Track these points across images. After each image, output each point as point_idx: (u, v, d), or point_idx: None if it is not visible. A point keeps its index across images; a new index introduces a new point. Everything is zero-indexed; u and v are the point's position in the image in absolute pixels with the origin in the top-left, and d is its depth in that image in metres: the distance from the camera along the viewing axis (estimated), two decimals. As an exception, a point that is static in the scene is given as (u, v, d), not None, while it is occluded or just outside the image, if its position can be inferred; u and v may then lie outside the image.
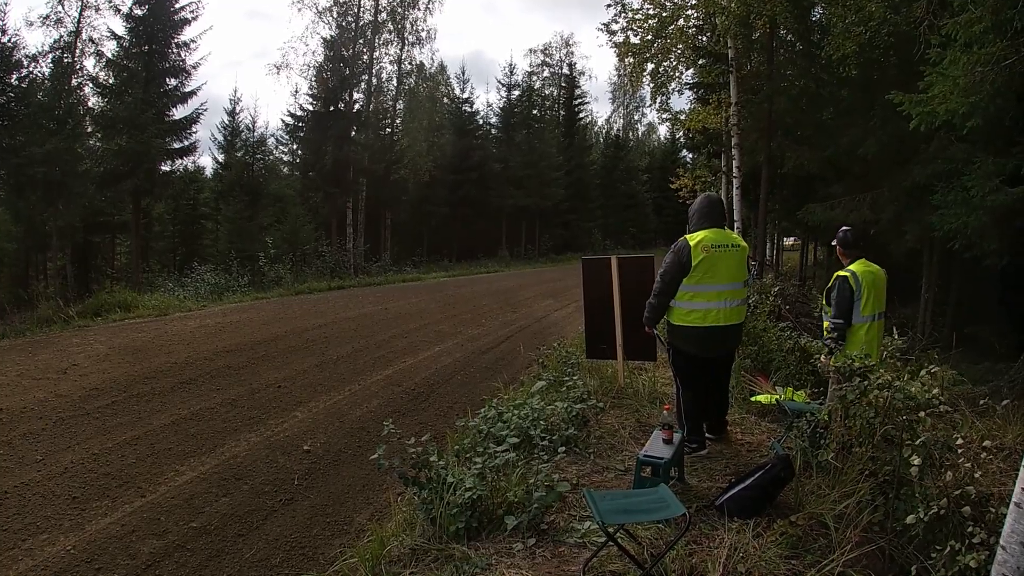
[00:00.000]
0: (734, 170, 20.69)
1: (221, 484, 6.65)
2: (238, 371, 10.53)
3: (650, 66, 21.98)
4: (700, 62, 23.20)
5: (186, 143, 31.16)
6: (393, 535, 4.82)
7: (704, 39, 22.13)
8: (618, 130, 68.69)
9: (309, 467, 7.23)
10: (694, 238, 5.69)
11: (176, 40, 30.05)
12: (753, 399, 7.51)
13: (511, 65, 56.11)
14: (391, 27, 37.11)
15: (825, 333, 6.49)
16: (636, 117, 71.42)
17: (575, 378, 8.04)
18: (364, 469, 7.17)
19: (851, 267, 6.27)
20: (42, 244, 27.01)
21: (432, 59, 49.34)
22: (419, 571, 4.18)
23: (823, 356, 6.22)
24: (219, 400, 9.08)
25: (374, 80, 37.05)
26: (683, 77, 23.72)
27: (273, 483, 6.78)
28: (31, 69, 24.74)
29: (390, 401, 9.58)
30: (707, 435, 6.24)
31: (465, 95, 46.32)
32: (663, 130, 72.84)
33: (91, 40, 28.25)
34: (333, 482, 6.95)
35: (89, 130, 28.04)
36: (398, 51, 37.91)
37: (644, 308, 6.38)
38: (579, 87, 56.67)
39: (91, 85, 28.53)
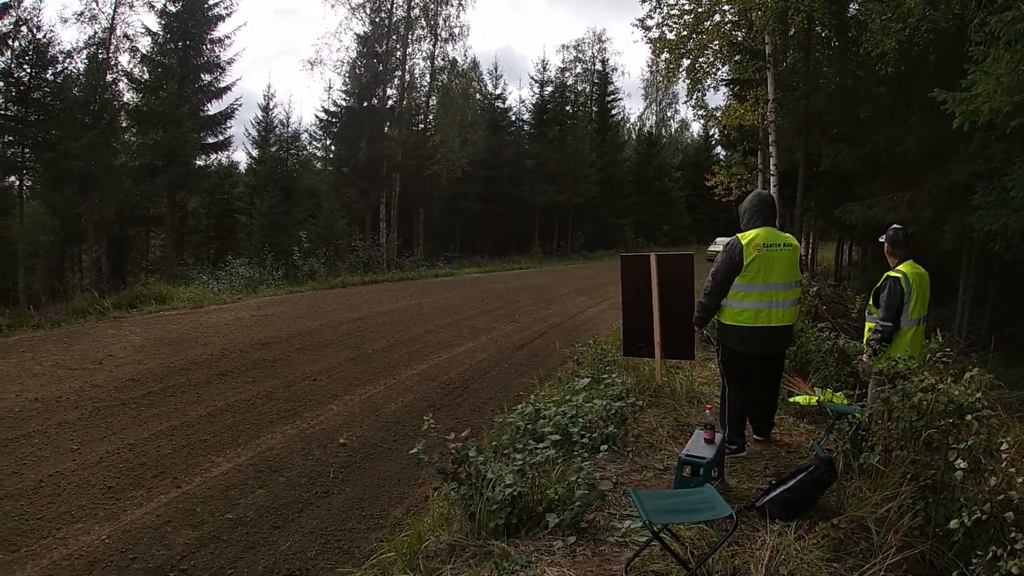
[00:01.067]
0: (771, 168, 20.47)
1: (257, 476, 6.65)
2: (273, 363, 10.57)
3: (686, 62, 21.86)
4: (736, 58, 22.97)
5: (221, 138, 31.74)
6: (430, 530, 4.77)
7: (740, 35, 21.91)
8: (651, 127, 68.53)
9: (345, 460, 7.22)
10: (746, 237, 5.61)
11: (210, 36, 30.49)
12: (792, 400, 7.38)
13: (543, 61, 56.39)
14: (424, 23, 37.37)
15: (868, 334, 6.33)
16: (669, 114, 71.28)
17: (613, 376, 7.92)
18: (400, 463, 7.14)
19: (901, 268, 6.09)
20: (77, 237, 27.39)
21: (465, 55, 49.52)
22: (457, 567, 4.11)
23: (865, 357, 6.05)
24: (255, 392, 9.10)
25: (407, 76, 37.36)
26: (719, 73, 23.55)
27: (309, 476, 6.77)
28: (66, 65, 25.19)
29: (425, 396, 9.56)
30: (755, 436, 6.18)
31: (498, 91, 46.51)
32: (696, 127, 72.63)
33: (125, 36, 28.80)
34: (369, 476, 6.93)
35: (124, 125, 28.37)
36: (431, 47, 38.25)
37: (682, 306, 6.25)
38: (612, 83, 56.73)
39: (126, 80, 28.93)
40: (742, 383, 5.85)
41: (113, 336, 11.75)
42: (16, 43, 23.11)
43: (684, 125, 75.03)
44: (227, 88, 31.51)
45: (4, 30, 22.69)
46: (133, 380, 9.21)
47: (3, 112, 23.56)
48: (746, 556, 4.00)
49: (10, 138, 23.68)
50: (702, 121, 34.00)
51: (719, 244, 37.52)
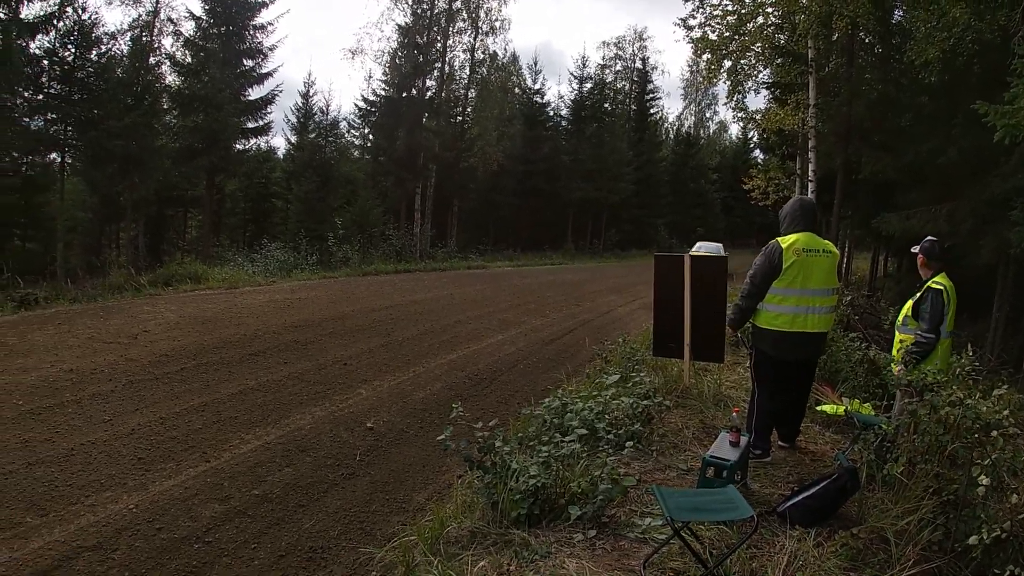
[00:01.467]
0: (809, 173, 20.29)
1: (285, 455, 6.75)
2: (305, 346, 10.69)
3: (727, 63, 21.68)
4: (778, 61, 22.77)
5: (260, 123, 32.14)
6: (453, 516, 4.84)
7: (783, 38, 21.72)
8: (689, 127, 68.35)
9: (371, 444, 7.30)
10: (786, 241, 5.58)
11: (253, 22, 30.77)
12: (818, 409, 7.33)
13: (583, 57, 56.49)
14: (465, 16, 37.45)
15: (897, 344, 6.31)
16: (708, 115, 71.09)
17: (641, 374, 7.91)
18: (425, 450, 7.22)
19: (939, 280, 6.06)
20: (116, 215, 27.91)
21: (505, 49, 49.55)
22: (478, 553, 4.15)
23: (900, 368, 6.00)
24: (286, 373, 9.22)
25: (447, 68, 37.50)
26: (760, 76, 23.35)
27: (335, 457, 6.87)
28: (110, 47, 25.60)
29: (453, 385, 9.63)
30: (780, 443, 6.17)
31: (536, 86, 46.38)
32: (735, 129, 72.37)
33: (169, 20, 29.17)
34: (394, 460, 7.01)
35: (166, 107, 28.75)
36: (471, 40, 38.33)
37: (714, 308, 6.21)
38: (651, 82, 56.48)
39: (168, 63, 29.30)
40: (772, 388, 5.83)
41: (148, 312, 11.92)
42: (61, 24, 23.50)
43: (723, 127, 74.80)
44: (268, 74, 31.93)
45: (49, 10, 23.06)
46: (167, 356, 9.35)
47: (47, 90, 23.97)
48: (764, 560, 4.01)
49: (53, 116, 24.12)
50: (741, 123, 33.72)
51: (700, 249, 37.08)
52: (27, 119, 23.76)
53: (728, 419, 5.57)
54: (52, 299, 12.92)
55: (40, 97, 23.84)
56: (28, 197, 24.92)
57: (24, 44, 22.46)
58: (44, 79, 23.88)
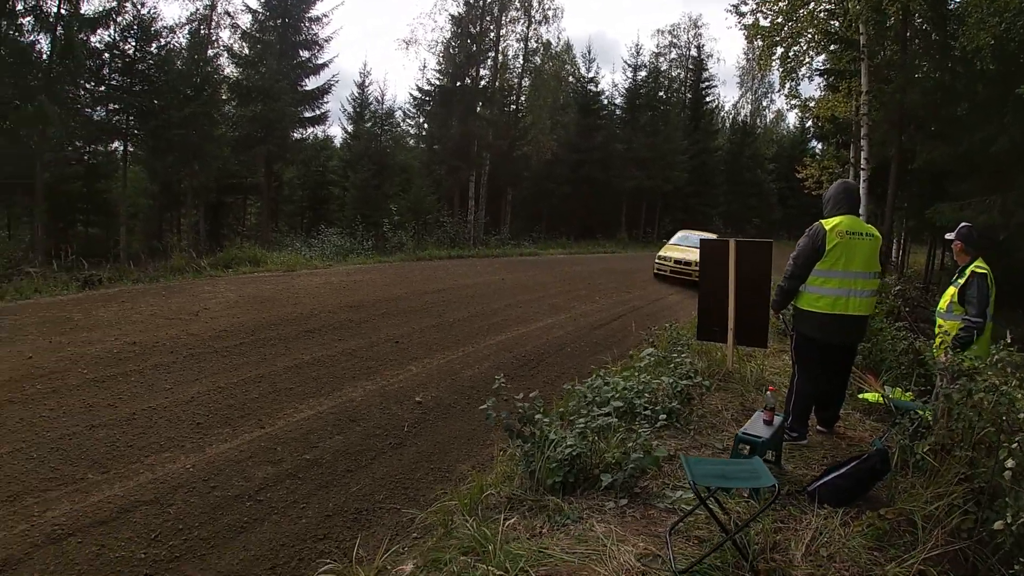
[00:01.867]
0: (862, 162, 20.02)
1: (336, 424, 7.05)
2: (359, 325, 10.95)
3: (779, 50, 21.42)
4: (831, 48, 22.48)
5: (317, 112, 32.75)
6: (492, 484, 5.07)
7: (835, 24, 21.43)
8: (745, 116, 66.91)
9: (419, 417, 7.58)
10: (829, 223, 5.63)
11: (308, 14, 31.26)
12: (860, 396, 7.37)
13: (637, 45, 55.82)
14: (518, 5, 37.37)
15: (938, 331, 6.40)
16: (764, 103, 69.44)
17: (683, 356, 7.99)
18: (471, 424, 7.46)
19: (980, 264, 6.10)
20: (176, 201, 28.72)
21: (558, 38, 49.26)
22: (513, 517, 4.34)
23: (947, 353, 6.00)
24: (339, 350, 9.51)
25: (500, 57, 37.44)
26: (813, 63, 23.06)
27: (384, 428, 7.15)
28: (169, 40, 26.46)
29: (500, 365, 9.79)
30: (819, 428, 6.24)
31: (590, 75, 46.07)
32: (792, 118, 70.68)
33: (226, 13, 29.83)
34: (440, 433, 7.27)
35: (224, 97, 29.35)
36: (525, 29, 38.22)
37: (759, 293, 6.25)
38: (706, 70, 55.48)
39: (226, 55, 29.93)
40: (812, 371, 5.88)
41: (209, 292, 12.24)
42: (120, 18, 24.36)
43: (780, 116, 73.05)
44: (324, 65, 32.51)
45: (109, 6, 23.88)
46: (226, 331, 9.67)
47: (109, 82, 24.76)
48: (789, 533, 4.12)
49: (115, 106, 24.92)
50: (797, 112, 33.19)
51: (688, 239, 35.38)
52: (90, 109, 24.65)
53: (764, 399, 5.64)
54: (115, 280, 13.23)
55: (102, 89, 24.76)
56: (91, 184, 25.88)
57: (85, 38, 23.25)
58: (106, 71, 24.79)
